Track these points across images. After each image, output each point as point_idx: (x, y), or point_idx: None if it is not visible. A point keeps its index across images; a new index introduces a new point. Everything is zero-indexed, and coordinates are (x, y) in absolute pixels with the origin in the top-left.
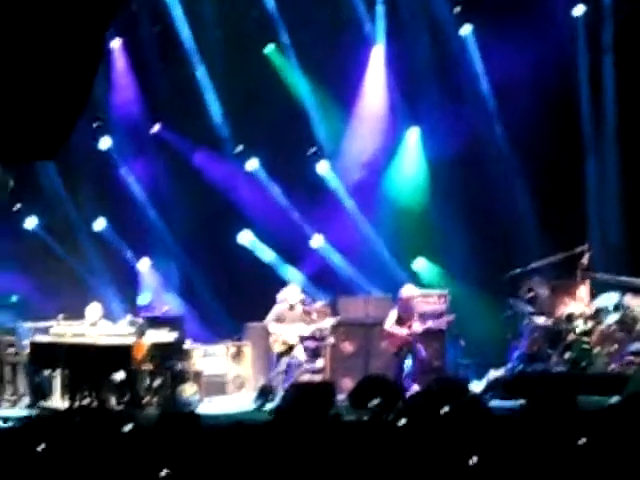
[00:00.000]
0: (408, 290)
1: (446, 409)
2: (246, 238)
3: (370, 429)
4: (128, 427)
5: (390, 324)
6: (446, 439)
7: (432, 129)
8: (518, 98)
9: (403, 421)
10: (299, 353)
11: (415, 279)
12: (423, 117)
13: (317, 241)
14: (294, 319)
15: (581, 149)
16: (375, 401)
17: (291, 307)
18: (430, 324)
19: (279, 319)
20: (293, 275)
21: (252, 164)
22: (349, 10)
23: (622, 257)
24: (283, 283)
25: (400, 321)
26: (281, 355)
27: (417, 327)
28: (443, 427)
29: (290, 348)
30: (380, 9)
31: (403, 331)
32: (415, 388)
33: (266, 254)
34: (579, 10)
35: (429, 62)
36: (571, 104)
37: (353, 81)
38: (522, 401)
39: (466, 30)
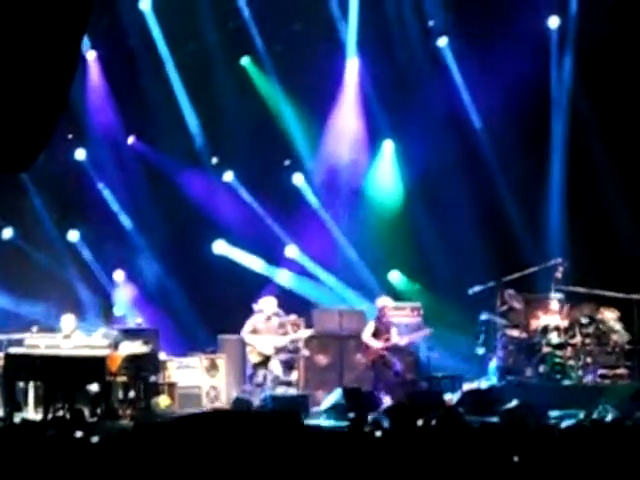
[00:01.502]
0: (383, 301)
1: (421, 421)
2: (221, 248)
3: (346, 440)
4: (95, 439)
5: (367, 335)
6: (422, 451)
7: (407, 142)
8: (494, 110)
9: (379, 433)
10: (275, 367)
11: (390, 291)
12: (398, 130)
13: (292, 251)
14: (270, 330)
15: (550, 161)
16: (351, 414)
17: (267, 318)
18: (409, 338)
19: (255, 330)
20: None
21: (228, 176)
22: (325, 23)
23: (595, 270)
24: (258, 295)
25: (377, 333)
26: (257, 366)
27: (396, 340)
28: (419, 439)
29: (266, 359)
30: (355, 22)
31: (378, 344)
32: (387, 401)
33: (246, 259)
34: (554, 22)
35: (404, 75)
36: (546, 117)
37: (328, 93)
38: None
39: (442, 42)
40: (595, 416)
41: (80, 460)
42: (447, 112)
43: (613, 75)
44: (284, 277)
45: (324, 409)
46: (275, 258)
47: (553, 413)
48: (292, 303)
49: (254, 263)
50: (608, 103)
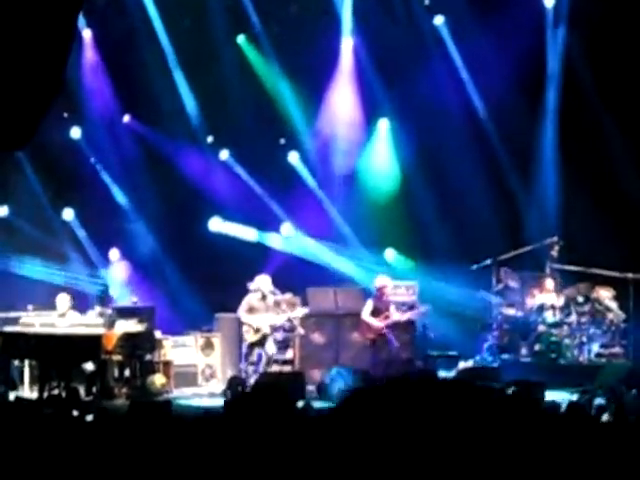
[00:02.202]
0: (382, 280)
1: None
2: (217, 225)
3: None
4: (90, 417)
5: (367, 314)
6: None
7: (403, 120)
8: (490, 89)
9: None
10: (270, 347)
11: (385, 270)
12: (394, 108)
13: (287, 230)
14: (266, 309)
15: (547, 139)
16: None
17: (263, 297)
18: (408, 315)
19: (251, 309)
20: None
21: (223, 154)
22: (321, 1)
23: (591, 249)
24: (254, 273)
25: (375, 311)
26: (253, 345)
27: (397, 317)
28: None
29: (263, 338)
30: (349, 2)
31: (379, 323)
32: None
33: (242, 232)
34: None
35: (399, 53)
36: (543, 93)
37: (324, 72)
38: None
39: (438, 21)
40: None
41: (75, 438)
42: (443, 90)
43: (609, 48)
44: (279, 255)
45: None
46: (270, 236)
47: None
48: (287, 281)
49: (250, 234)
50: (605, 75)
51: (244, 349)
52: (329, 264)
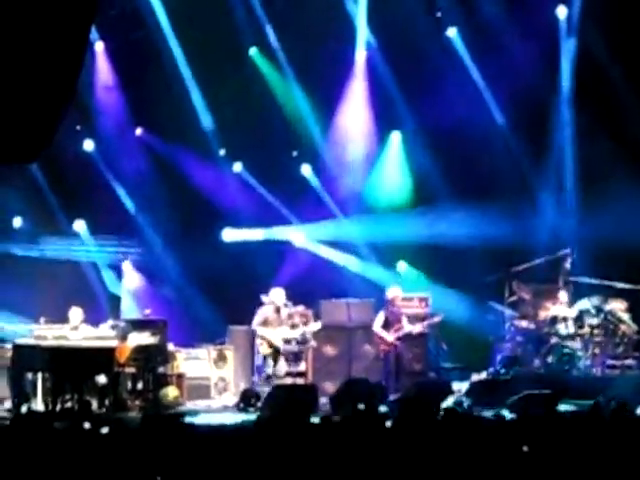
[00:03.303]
0: (394, 292)
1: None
2: (230, 235)
3: (355, 431)
4: (105, 430)
5: (378, 327)
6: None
7: (415, 133)
8: (502, 102)
9: (388, 424)
10: (281, 363)
11: (397, 282)
12: (406, 121)
13: (299, 240)
14: (280, 322)
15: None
16: (361, 405)
17: (277, 310)
18: (420, 327)
19: (265, 322)
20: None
21: (236, 167)
22: (334, 14)
23: (604, 261)
24: (268, 286)
25: (387, 323)
26: (267, 358)
27: (409, 329)
28: (428, 430)
29: (277, 351)
30: (364, 14)
31: (389, 337)
32: (392, 396)
33: (256, 235)
34: (562, 11)
35: (413, 66)
36: (556, 109)
37: (337, 85)
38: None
39: (451, 33)
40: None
41: (88, 451)
42: (456, 103)
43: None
44: (292, 268)
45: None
46: (282, 248)
47: (561, 405)
48: (300, 294)
49: (261, 235)
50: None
51: (258, 361)
52: (344, 269)
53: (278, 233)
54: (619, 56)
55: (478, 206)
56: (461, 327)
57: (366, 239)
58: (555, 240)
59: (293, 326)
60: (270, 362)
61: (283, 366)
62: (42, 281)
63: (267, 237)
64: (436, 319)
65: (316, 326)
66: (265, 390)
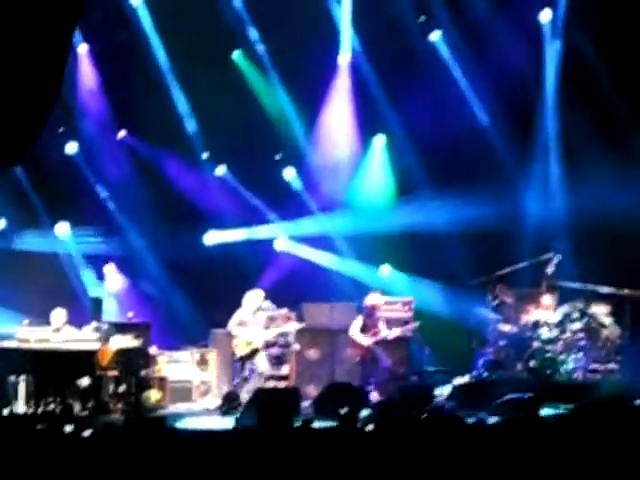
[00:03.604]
0: (373, 298)
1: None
2: (213, 238)
3: (337, 436)
4: (87, 432)
5: (355, 331)
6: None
7: (398, 136)
8: (486, 104)
9: (370, 427)
10: (261, 362)
11: (381, 286)
12: (389, 124)
13: (281, 244)
14: (257, 324)
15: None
16: (344, 409)
17: (254, 312)
18: (397, 332)
19: (241, 323)
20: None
21: (220, 170)
22: (317, 17)
23: (586, 264)
24: (250, 288)
25: (365, 328)
26: (243, 359)
27: (385, 334)
28: (409, 434)
29: (254, 351)
30: (347, 16)
31: (366, 340)
32: (375, 396)
33: (238, 235)
34: (546, 15)
35: (395, 69)
36: (536, 111)
37: (320, 87)
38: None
39: (435, 36)
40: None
41: (70, 454)
42: (440, 106)
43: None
44: (274, 271)
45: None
46: (265, 251)
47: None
48: (283, 296)
49: (244, 235)
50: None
51: (238, 364)
52: (327, 272)
53: (260, 232)
54: (606, 56)
55: (462, 208)
56: (444, 330)
57: (349, 242)
58: (539, 244)
59: (272, 328)
60: (246, 365)
61: (263, 364)
62: (24, 276)
63: (250, 237)
64: (411, 326)
65: (294, 326)
66: (246, 393)
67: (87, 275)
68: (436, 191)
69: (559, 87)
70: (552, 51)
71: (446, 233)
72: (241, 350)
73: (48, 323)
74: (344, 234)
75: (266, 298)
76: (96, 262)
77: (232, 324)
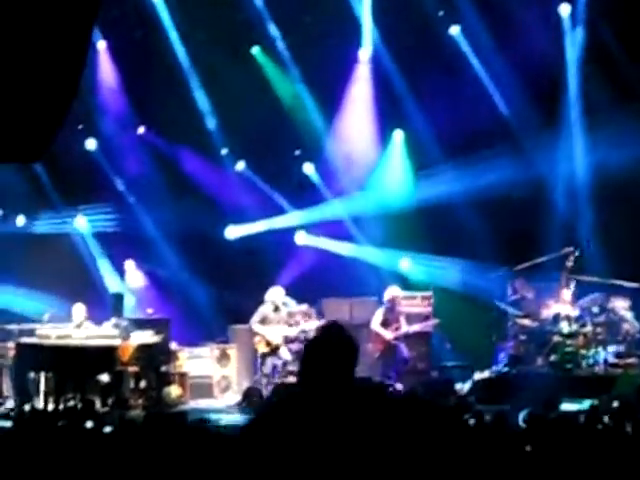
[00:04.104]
0: (393, 291)
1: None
2: (234, 232)
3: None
4: (108, 429)
5: (376, 324)
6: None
7: (417, 131)
8: (507, 99)
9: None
10: (284, 353)
11: (401, 280)
12: (408, 119)
13: (301, 239)
14: (279, 320)
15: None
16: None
17: (276, 308)
18: (417, 327)
19: (263, 320)
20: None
21: (240, 165)
22: (337, 12)
23: (607, 259)
24: (270, 284)
25: (386, 322)
26: (265, 356)
27: (405, 329)
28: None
29: (274, 349)
30: (368, 10)
31: (388, 334)
32: (399, 387)
33: (261, 227)
34: (565, 9)
35: (415, 64)
36: (558, 104)
37: (339, 82)
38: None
39: (454, 31)
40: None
41: (91, 450)
42: (460, 100)
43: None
44: (295, 266)
45: None
46: (286, 247)
47: (564, 404)
48: (304, 292)
49: (267, 225)
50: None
51: (259, 360)
52: (347, 267)
53: (279, 222)
54: (627, 43)
55: (481, 203)
56: (464, 325)
57: (369, 236)
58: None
59: (293, 325)
60: (268, 361)
61: (286, 354)
62: (44, 264)
63: (270, 227)
64: (431, 323)
65: (314, 324)
66: (267, 388)
67: (107, 271)
68: (452, 186)
69: (582, 81)
70: (574, 42)
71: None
72: (262, 348)
73: (69, 319)
74: (362, 216)
75: (286, 294)
76: (116, 258)
77: (254, 321)
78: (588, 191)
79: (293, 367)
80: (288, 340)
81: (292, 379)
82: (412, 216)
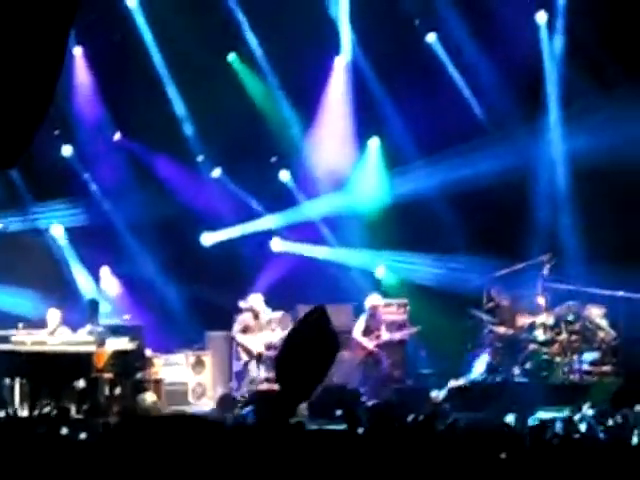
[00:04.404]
0: (373, 300)
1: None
2: (210, 238)
3: (331, 438)
4: (83, 435)
5: (358, 333)
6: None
7: (394, 136)
8: (483, 106)
9: (361, 430)
10: (262, 364)
11: (377, 288)
12: (385, 125)
13: (277, 245)
14: (260, 328)
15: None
16: (338, 412)
17: (255, 316)
18: (398, 335)
19: (246, 329)
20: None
21: (215, 172)
22: (313, 18)
23: (582, 267)
24: (246, 291)
25: (367, 330)
26: (248, 364)
27: (386, 337)
28: (403, 437)
29: (259, 356)
30: (345, 17)
31: (370, 343)
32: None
33: (236, 232)
34: (541, 17)
35: (391, 72)
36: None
37: (316, 90)
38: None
39: (431, 38)
40: (576, 418)
41: (66, 457)
42: (436, 107)
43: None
44: (270, 273)
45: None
46: (262, 253)
47: (539, 412)
48: (279, 299)
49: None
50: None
51: (238, 367)
52: (323, 274)
53: (253, 227)
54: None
55: (458, 210)
56: (439, 333)
57: (345, 244)
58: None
59: (272, 331)
60: (251, 368)
61: (261, 370)
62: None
63: (245, 232)
64: (411, 331)
65: None
66: (243, 395)
67: (82, 275)
68: (428, 193)
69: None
70: (553, 49)
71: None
72: (246, 357)
73: (43, 325)
74: (338, 218)
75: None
76: (91, 264)
77: (236, 331)
78: (567, 182)
79: (269, 375)
80: (270, 347)
81: (265, 387)
82: (388, 214)
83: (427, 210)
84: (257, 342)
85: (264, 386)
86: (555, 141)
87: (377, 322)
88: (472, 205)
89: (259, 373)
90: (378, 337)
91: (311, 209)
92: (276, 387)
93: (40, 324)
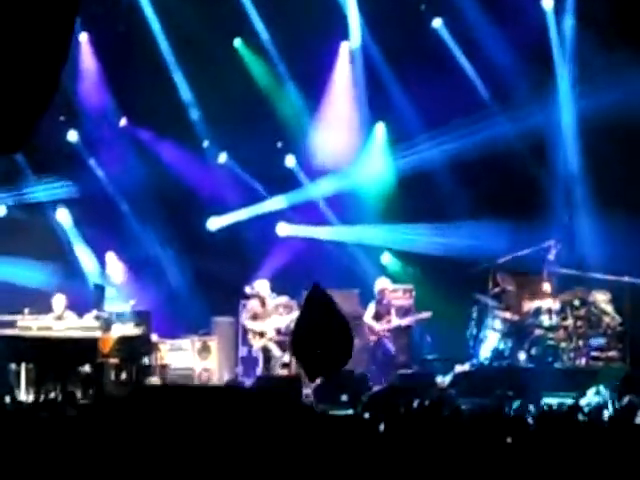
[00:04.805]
0: (382, 283)
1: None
2: (216, 223)
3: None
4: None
5: (369, 317)
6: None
7: (399, 124)
8: (490, 89)
9: (367, 415)
10: (274, 349)
11: (383, 273)
12: (390, 112)
13: (283, 230)
14: (268, 313)
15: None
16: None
17: (262, 302)
18: (407, 320)
19: (255, 315)
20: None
21: (221, 158)
22: (320, 3)
23: (588, 252)
24: (252, 277)
25: (378, 315)
26: (261, 351)
27: (396, 322)
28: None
29: (269, 341)
30: (351, 4)
31: (381, 327)
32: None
33: (242, 215)
34: (548, 3)
35: (397, 58)
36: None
37: (322, 75)
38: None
39: (437, 23)
40: (583, 402)
41: (73, 441)
42: (443, 93)
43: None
44: (276, 258)
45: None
46: (268, 239)
47: (545, 398)
48: (285, 284)
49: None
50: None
51: (244, 353)
52: (329, 259)
53: (261, 209)
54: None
55: (463, 196)
56: (445, 318)
57: (350, 229)
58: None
59: (280, 315)
60: (271, 347)
61: (276, 350)
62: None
63: (251, 214)
64: (424, 315)
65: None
66: (249, 380)
67: (88, 260)
68: (434, 179)
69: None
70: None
71: (446, 222)
72: (257, 343)
73: (49, 311)
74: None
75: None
76: (97, 250)
77: (245, 318)
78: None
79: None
80: (279, 332)
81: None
82: (393, 190)
83: (432, 182)
84: (268, 327)
85: (284, 371)
86: (565, 119)
87: (387, 306)
88: (476, 173)
89: (280, 354)
90: (389, 322)
91: (316, 190)
92: (283, 372)
93: (46, 309)
